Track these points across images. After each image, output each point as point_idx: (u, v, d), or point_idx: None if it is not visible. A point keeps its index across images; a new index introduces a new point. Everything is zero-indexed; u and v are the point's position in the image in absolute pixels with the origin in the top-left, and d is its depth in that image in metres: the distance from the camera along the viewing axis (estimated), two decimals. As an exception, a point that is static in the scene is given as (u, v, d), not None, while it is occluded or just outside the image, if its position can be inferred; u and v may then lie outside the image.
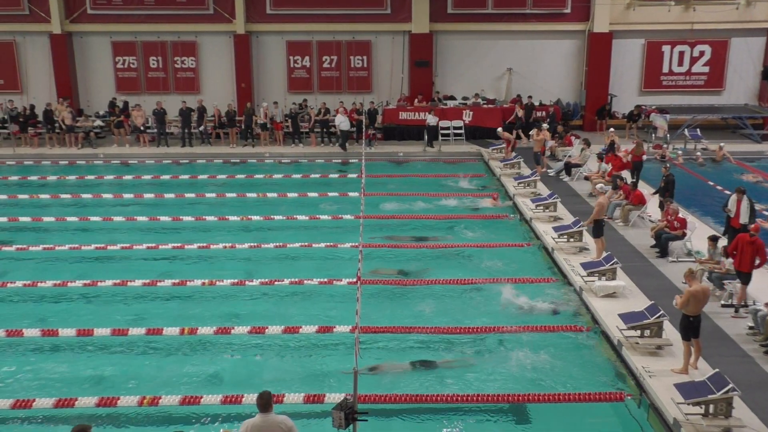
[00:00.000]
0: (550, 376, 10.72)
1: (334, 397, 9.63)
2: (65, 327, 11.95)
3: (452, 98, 28.18)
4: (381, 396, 9.90)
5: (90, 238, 16.54)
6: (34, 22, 27.29)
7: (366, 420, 7.34)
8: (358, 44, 27.99)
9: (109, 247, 15.87)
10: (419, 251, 16.00)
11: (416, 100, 27.31)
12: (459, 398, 9.97)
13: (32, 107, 25.98)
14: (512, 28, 27.74)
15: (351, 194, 19.72)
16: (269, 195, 20.06)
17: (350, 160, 24.15)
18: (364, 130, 24.27)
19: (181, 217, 18.00)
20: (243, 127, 26.07)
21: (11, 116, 25.56)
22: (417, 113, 26.63)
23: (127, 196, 20.03)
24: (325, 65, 28.19)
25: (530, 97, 26.75)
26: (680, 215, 15.08)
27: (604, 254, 13.95)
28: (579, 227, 15.24)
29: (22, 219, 17.85)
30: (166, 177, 22.20)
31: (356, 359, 8.60)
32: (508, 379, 10.65)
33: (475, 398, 9.97)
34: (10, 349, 11.51)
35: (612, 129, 23.29)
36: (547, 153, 22.58)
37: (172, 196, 19.99)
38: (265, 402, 7.49)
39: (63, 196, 20.08)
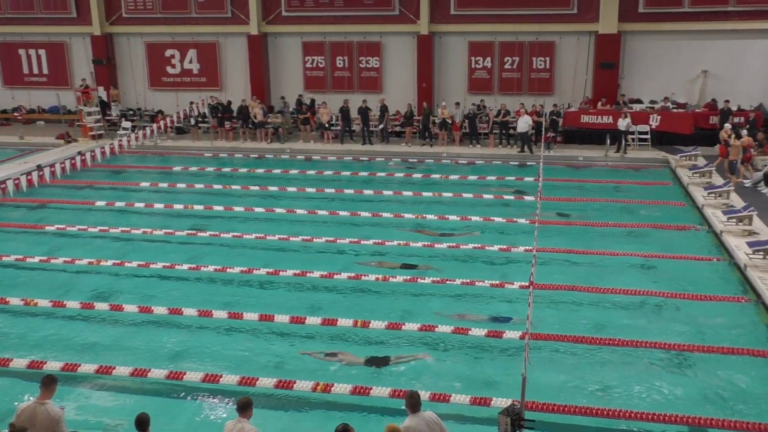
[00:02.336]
0: (744, 401, 9.92)
1: (500, 402, 9.52)
2: (249, 311, 12.67)
3: (638, 101, 26.92)
4: (551, 405, 9.63)
5: (275, 228, 17.47)
6: (235, 24, 29.28)
7: (533, 429, 7.17)
8: (541, 45, 27.44)
9: (291, 239, 16.68)
10: (594, 258, 15.41)
11: (599, 103, 26.36)
12: (636, 415, 9.45)
13: (229, 103, 27.94)
14: (710, 27, 25.96)
15: (527, 197, 19.43)
16: (444, 195, 20.19)
17: (528, 163, 23.77)
18: (543, 132, 23.79)
19: (359, 213, 18.55)
20: (421, 126, 26.46)
21: (212, 111, 27.67)
22: (600, 116, 25.71)
23: (310, 190, 20.94)
24: (506, 66, 27.92)
25: (727, 101, 24.96)
26: None
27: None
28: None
29: (216, 207, 19.16)
30: (347, 173, 22.98)
31: (525, 365, 8.44)
32: (692, 402, 9.98)
33: (654, 417, 9.39)
34: (201, 330, 12.38)
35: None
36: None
37: (351, 191, 20.66)
38: (416, 402, 7.41)
39: (252, 187, 21.37)
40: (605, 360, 11.25)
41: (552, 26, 27.12)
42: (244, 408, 7.43)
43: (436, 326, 11.96)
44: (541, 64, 27.72)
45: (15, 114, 31.68)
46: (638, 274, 14.62)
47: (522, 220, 17.66)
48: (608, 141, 24.56)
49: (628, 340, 11.52)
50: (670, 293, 13.34)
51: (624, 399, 10.10)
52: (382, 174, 22.80)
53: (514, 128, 25.70)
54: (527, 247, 15.19)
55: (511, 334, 11.60)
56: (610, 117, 25.41)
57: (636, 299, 13.23)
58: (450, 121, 26.15)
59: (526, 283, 12.61)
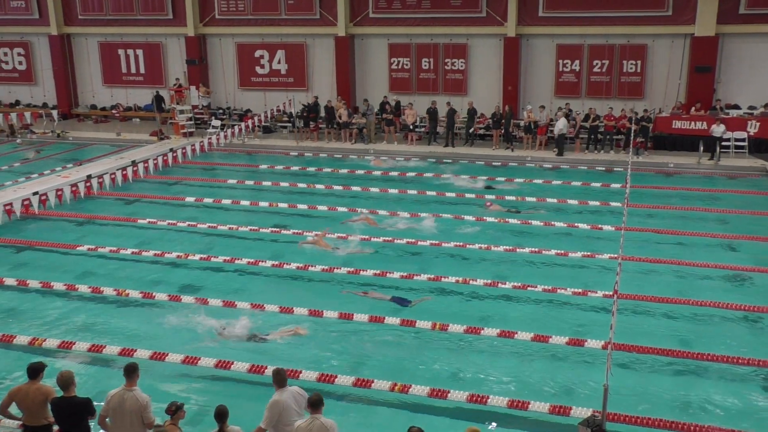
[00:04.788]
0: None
1: (580, 412, 9.33)
2: (330, 310, 12.83)
3: (736, 107, 25.85)
4: (633, 417, 9.37)
5: (356, 228, 17.61)
6: (323, 25, 29.72)
7: (614, 441, 7.01)
8: (633, 48, 26.70)
9: (372, 239, 16.77)
10: (683, 268, 14.90)
11: (693, 109, 25.45)
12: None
13: (315, 104, 28.38)
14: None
15: (613, 204, 18.97)
16: (528, 199, 19.93)
17: (615, 169, 23.21)
18: (632, 138, 23.17)
19: (440, 215, 18.51)
20: (503, 129, 26.21)
21: (300, 111, 28.19)
22: (693, 122, 24.83)
23: (392, 191, 21.03)
24: (595, 69, 27.31)
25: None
26: None
27: None
28: None
29: (300, 206, 19.47)
30: (429, 175, 22.96)
31: (607, 375, 8.27)
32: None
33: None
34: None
35: None
36: None
37: (433, 193, 20.64)
38: (282, 378, 7.90)
39: (335, 187, 21.63)
40: (691, 374, 10.88)
41: (644, 29, 26.35)
42: (317, 405, 7.51)
43: (515, 332, 11.81)
44: (631, 68, 26.97)
45: (113, 111, 33.09)
46: (730, 286, 14.08)
47: (607, 227, 17.26)
48: (701, 148, 23.69)
49: (717, 355, 11.10)
50: (766, 308, 12.79)
51: (710, 415, 9.73)
52: (465, 177, 22.68)
53: (602, 133, 25.18)
54: (612, 255, 14.83)
55: (594, 344, 11.35)
56: (704, 123, 24.50)
57: (727, 313, 12.73)
58: (535, 125, 25.83)
59: (610, 292, 12.31)
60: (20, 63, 34.52)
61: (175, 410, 7.74)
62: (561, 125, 24.83)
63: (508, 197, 20.15)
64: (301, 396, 7.97)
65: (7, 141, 28.85)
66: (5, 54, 34.62)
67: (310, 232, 17.05)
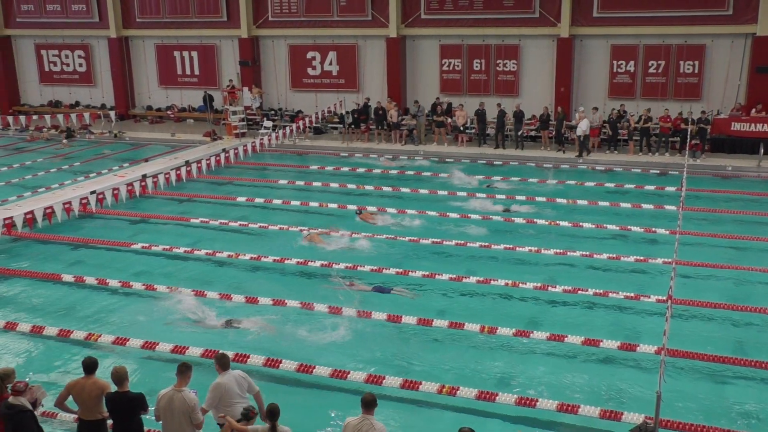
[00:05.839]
0: None
1: (632, 417, 9.16)
2: (378, 311, 12.85)
3: (798, 109, 25.06)
4: (686, 425, 9.15)
5: (405, 231, 17.65)
6: (375, 26, 29.80)
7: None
8: (690, 48, 26.08)
9: (421, 240, 16.79)
10: (741, 273, 14.50)
11: (754, 110, 24.75)
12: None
13: (366, 105, 28.47)
14: None
15: (668, 207, 18.59)
16: (579, 202, 19.66)
17: (670, 172, 22.72)
18: (688, 140, 22.65)
19: (491, 217, 18.41)
20: (554, 131, 25.91)
21: (351, 112, 28.34)
22: (753, 124, 24.14)
23: (441, 192, 20.96)
24: (651, 70, 26.76)
25: None
26: None
27: None
28: None
29: (350, 207, 19.55)
30: (479, 177, 22.82)
31: (660, 382, 8.10)
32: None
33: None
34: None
35: None
36: None
37: (483, 196, 20.52)
38: (225, 362, 8.25)
39: (385, 188, 21.67)
40: (747, 382, 10.58)
41: (703, 28, 25.70)
42: (369, 405, 7.51)
43: (565, 336, 11.66)
44: (689, 69, 26.34)
45: (168, 112, 33.76)
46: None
47: (661, 231, 16.91)
48: (761, 150, 23.01)
49: (775, 364, 10.78)
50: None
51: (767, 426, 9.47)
52: (515, 179, 22.47)
53: (657, 135, 24.67)
54: (666, 259, 14.53)
55: (646, 348, 11.13)
56: (765, 125, 23.81)
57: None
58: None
59: (664, 297, 12.06)
60: (80, 65, 35.49)
61: (245, 414, 7.80)
62: (584, 126, 24.59)
63: (558, 200, 19.89)
64: (243, 379, 8.31)
65: (63, 144, 29.62)
66: (66, 56, 35.62)
67: (357, 234, 17.13)
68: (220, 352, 8.86)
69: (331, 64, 31.12)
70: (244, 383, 8.29)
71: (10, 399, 7.96)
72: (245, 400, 8.20)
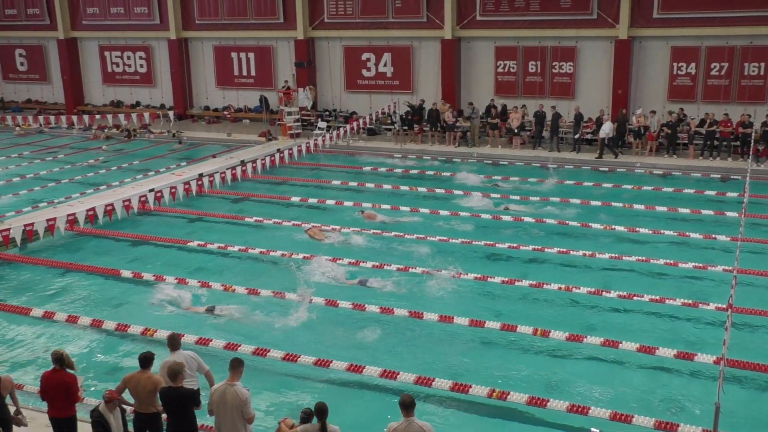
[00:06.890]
0: None
1: (689, 430, 8.93)
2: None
3: None
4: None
5: (458, 233, 17.57)
6: (430, 28, 29.75)
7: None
8: (756, 49, 25.30)
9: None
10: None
11: (821, 114, 23.92)
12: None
13: (421, 106, 28.44)
14: None
15: (729, 214, 18.08)
16: (636, 206, 19.28)
17: (732, 177, 22.11)
18: (751, 144, 22.00)
19: (544, 220, 18.22)
20: (615, 134, 25.44)
21: (405, 114, 28.34)
22: (820, 128, 23.31)
23: (494, 196, 20.76)
24: (713, 72, 26.05)
25: None
26: None
27: None
28: None
29: (402, 208, 19.53)
30: (533, 179, 22.57)
31: (719, 392, 7.89)
32: None
33: None
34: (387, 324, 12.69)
35: None
36: None
37: (536, 199, 20.29)
38: (175, 342, 8.82)
39: (437, 190, 21.61)
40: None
41: (768, 29, 24.97)
42: (409, 407, 7.44)
43: (620, 342, 11.43)
44: (753, 70, 25.55)
45: (224, 112, 34.30)
46: None
47: (722, 237, 16.46)
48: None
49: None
50: None
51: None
52: (570, 182, 22.16)
53: (718, 139, 24.01)
54: (726, 267, 14.14)
55: (704, 358, 10.85)
56: (833, 129, 23.00)
57: None
58: (645, 130, 24.97)
59: (724, 305, 11.73)
60: (141, 66, 36.33)
61: (305, 417, 7.89)
62: (607, 129, 24.27)
63: (614, 203, 19.54)
64: (193, 359, 8.82)
65: (126, 140, 30.38)
66: (128, 58, 36.50)
67: (411, 235, 17.11)
68: (171, 332, 9.40)
69: (385, 65, 31.17)
70: (193, 363, 8.79)
71: None
72: (195, 379, 8.77)
